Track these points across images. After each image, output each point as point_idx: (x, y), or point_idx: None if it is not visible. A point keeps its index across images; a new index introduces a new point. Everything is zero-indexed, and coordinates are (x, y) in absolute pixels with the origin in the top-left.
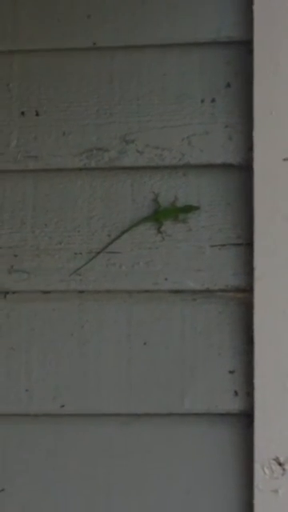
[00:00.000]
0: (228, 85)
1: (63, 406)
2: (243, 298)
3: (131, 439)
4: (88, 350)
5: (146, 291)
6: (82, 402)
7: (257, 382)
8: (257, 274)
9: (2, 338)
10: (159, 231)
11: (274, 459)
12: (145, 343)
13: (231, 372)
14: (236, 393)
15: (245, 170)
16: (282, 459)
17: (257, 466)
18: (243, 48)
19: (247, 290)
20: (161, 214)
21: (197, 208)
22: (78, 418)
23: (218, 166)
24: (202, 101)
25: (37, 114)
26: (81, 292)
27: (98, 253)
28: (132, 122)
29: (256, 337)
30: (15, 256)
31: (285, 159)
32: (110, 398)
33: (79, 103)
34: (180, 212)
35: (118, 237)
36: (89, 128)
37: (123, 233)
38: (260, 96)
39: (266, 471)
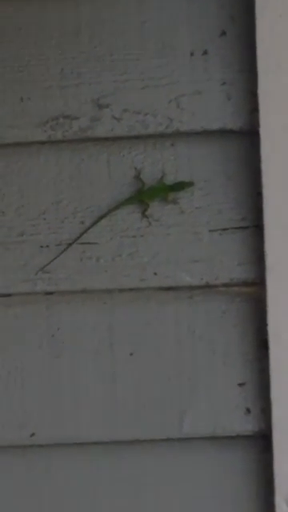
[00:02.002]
0: (223, 33)
1: (33, 434)
2: (252, 293)
3: (118, 472)
4: (61, 364)
5: (131, 289)
6: (56, 429)
7: (274, 395)
8: (269, 262)
9: None
10: (144, 215)
11: None
12: (131, 353)
13: (241, 385)
14: (248, 410)
15: (248, 136)
16: None
17: (278, 500)
18: None
19: (257, 283)
20: (146, 194)
21: (190, 184)
22: (52, 449)
23: (214, 133)
24: (192, 53)
25: None
26: (49, 293)
27: (70, 244)
28: (106, 82)
29: (271, 340)
30: None
31: None
32: (91, 422)
33: (39, 61)
34: (170, 190)
35: (94, 223)
36: (52, 91)
37: (100, 218)
38: (264, 44)
39: None
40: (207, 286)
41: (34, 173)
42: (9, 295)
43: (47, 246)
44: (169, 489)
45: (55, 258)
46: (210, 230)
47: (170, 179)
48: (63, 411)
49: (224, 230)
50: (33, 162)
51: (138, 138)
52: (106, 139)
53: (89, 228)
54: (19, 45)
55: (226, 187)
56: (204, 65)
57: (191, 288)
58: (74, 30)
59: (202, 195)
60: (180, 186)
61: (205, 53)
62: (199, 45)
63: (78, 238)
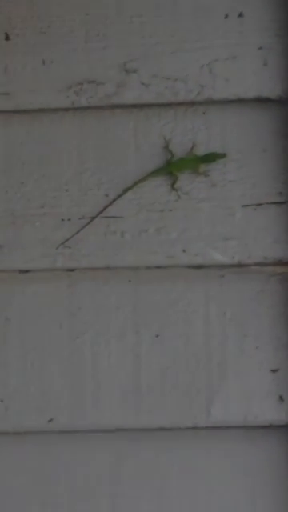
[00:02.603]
0: None
1: (51, 420)
2: None
3: (142, 461)
4: (82, 346)
5: (158, 267)
6: (76, 414)
7: None
8: None
9: None
10: (173, 188)
11: None
12: (157, 335)
13: (274, 371)
14: (281, 398)
15: (286, 105)
16: None
17: None
18: None
19: None
20: (175, 166)
21: (222, 156)
22: (72, 436)
23: (249, 101)
24: (226, 16)
25: (7, 38)
26: (71, 270)
27: (94, 218)
28: (133, 46)
29: None
30: None
31: None
32: (114, 408)
33: (62, 22)
34: (201, 162)
35: (120, 196)
36: (76, 55)
37: (126, 191)
38: None
39: None
40: (239, 265)
41: (56, 141)
42: (27, 271)
43: (69, 220)
44: (196, 481)
45: (77, 233)
46: (244, 205)
47: (201, 150)
48: (84, 396)
49: (258, 205)
50: (55, 130)
51: (167, 105)
52: (134, 106)
53: (113, 201)
54: (41, 4)
55: (262, 159)
56: (239, 28)
57: (222, 267)
58: None
59: (236, 168)
60: (211, 158)
61: (240, 15)
62: (234, 6)
63: (102, 211)
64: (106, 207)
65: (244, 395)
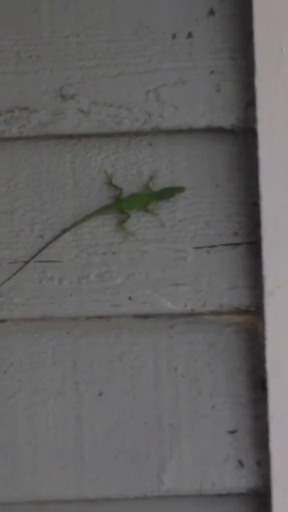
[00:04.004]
0: (211, 11)
1: None
2: (246, 322)
3: None
4: (16, 406)
5: (101, 317)
6: (9, 484)
7: (273, 444)
8: (268, 286)
9: None
10: (123, 227)
11: None
12: (100, 394)
13: (232, 432)
14: (241, 462)
15: (241, 135)
16: None
17: None
18: None
19: (251, 310)
20: (127, 202)
21: (181, 190)
22: (5, 509)
23: (200, 131)
24: (174, 36)
25: None
26: (2, 321)
27: (27, 262)
28: (71, 69)
29: (270, 380)
30: None
31: None
32: (52, 477)
33: None
34: (156, 198)
35: (57, 238)
36: (7, 78)
37: (64, 232)
38: (263, 24)
39: None
40: (192, 314)
41: None
42: None
43: None
44: None
45: (8, 279)
46: (196, 247)
47: (149, 184)
48: (18, 464)
49: (212, 246)
50: None
51: (109, 135)
52: (71, 137)
53: (49, 243)
54: None
55: (215, 196)
56: (189, 49)
57: (173, 316)
58: (33, 4)
59: (186, 205)
60: (169, 193)
61: (189, 35)
62: (183, 25)
63: (36, 254)
64: (41, 250)
65: (199, 460)
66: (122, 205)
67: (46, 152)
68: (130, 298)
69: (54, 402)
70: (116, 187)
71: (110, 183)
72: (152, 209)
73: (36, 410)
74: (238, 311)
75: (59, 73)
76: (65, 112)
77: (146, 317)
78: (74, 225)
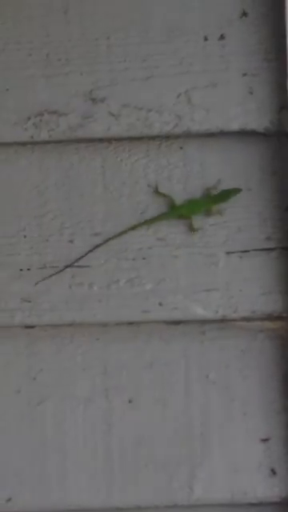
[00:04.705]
0: (244, 13)
1: (9, 499)
2: (280, 328)
3: None
4: (44, 413)
5: (131, 323)
6: (38, 493)
7: None
8: None
9: None
10: (194, 229)
11: None
12: (130, 401)
13: (264, 440)
14: (273, 471)
15: (275, 138)
16: None
17: None
18: None
19: (285, 317)
20: (187, 208)
21: (238, 191)
22: None
23: (233, 134)
24: (206, 38)
25: None
26: (30, 327)
27: (59, 269)
28: (101, 71)
29: None
30: None
31: None
32: (81, 485)
33: (19, 44)
34: (213, 203)
35: (98, 246)
36: (35, 81)
37: (108, 240)
38: None
39: None
40: (223, 320)
41: (12, 180)
42: None
43: (28, 270)
44: None
45: (38, 283)
46: (228, 252)
47: (179, 189)
48: (47, 471)
49: (244, 252)
50: (11, 167)
51: (139, 139)
52: (101, 140)
53: (90, 252)
54: None
55: (247, 200)
56: (221, 51)
57: (204, 322)
58: (63, 5)
59: (217, 210)
60: (226, 195)
61: (221, 37)
62: (215, 27)
63: (75, 261)
64: (79, 258)
65: (231, 468)
66: (181, 211)
67: (75, 156)
68: (160, 304)
69: (83, 409)
70: (164, 195)
71: (156, 191)
72: (216, 211)
73: (65, 417)
74: (270, 317)
75: (89, 76)
76: (94, 115)
77: (176, 323)
78: (124, 231)
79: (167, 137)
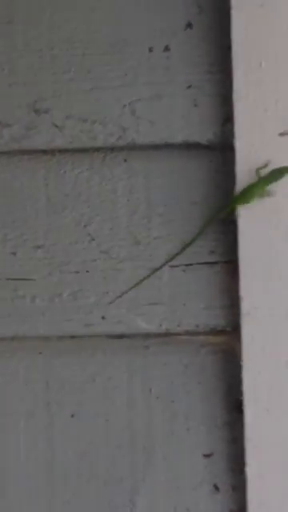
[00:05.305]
0: (189, 24)
1: None
2: (222, 343)
3: None
4: None
5: (74, 337)
6: None
7: (250, 469)
8: (245, 306)
9: None
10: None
11: None
12: (73, 415)
13: (207, 456)
14: (216, 487)
15: (218, 151)
16: None
17: None
18: None
19: (228, 331)
20: (243, 198)
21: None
22: None
23: (177, 147)
24: (151, 49)
25: None
26: None
27: None
28: (44, 82)
29: (246, 402)
30: None
31: (281, 134)
32: (22, 502)
33: None
34: (267, 184)
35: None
36: None
37: (186, 246)
38: (241, 38)
39: None
40: (167, 334)
41: None
42: None
43: None
44: None
45: None
46: (172, 266)
47: (122, 202)
48: None
49: (188, 265)
50: None
51: (83, 151)
52: (44, 152)
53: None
54: None
55: (191, 213)
56: (166, 63)
57: (147, 336)
58: (7, 16)
59: (162, 223)
60: (279, 174)
61: (166, 49)
62: (160, 39)
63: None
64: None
65: (174, 484)
66: (239, 202)
67: (18, 167)
68: (103, 318)
69: (24, 424)
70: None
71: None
72: (268, 193)
73: (6, 432)
74: (214, 331)
75: (33, 87)
76: (38, 127)
77: (119, 337)
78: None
79: (111, 149)
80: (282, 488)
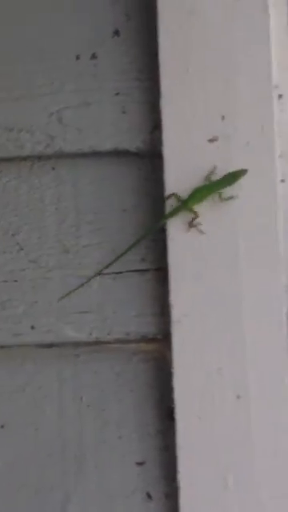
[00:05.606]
0: (116, 32)
1: None
2: (154, 350)
3: None
4: None
5: (2, 347)
6: None
7: (182, 477)
8: (175, 314)
9: None
10: (193, 225)
11: None
12: (2, 426)
13: (140, 464)
14: (149, 495)
15: (148, 158)
16: None
17: None
18: None
19: (159, 339)
20: (194, 198)
21: (244, 172)
22: None
23: (105, 154)
24: (78, 57)
25: None
26: None
27: None
28: None
29: (177, 410)
30: None
31: (210, 140)
32: None
33: None
34: (221, 187)
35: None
36: None
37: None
38: (168, 44)
39: None
40: (97, 343)
41: None
42: None
43: None
44: None
45: None
46: (101, 274)
47: (51, 210)
48: None
49: (118, 273)
50: None
51: (10, 160)
52: None
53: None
54: None
55: (121, 221)
56: (93, 70)
57: (77, 345)
58: None
59: (91, 231)
60: (232, 179)
61: (94, 56)
62: (87, 46)
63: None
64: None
65: (106, 492)
66: (191, 202)
67: None
68: (32, 327)
69: None
70: (176, 197)
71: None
72: (223, 197)
73: None
74: (145, 339)
75: None
76: None
77: (49, 346)
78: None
79: (39, 157)
80: (213, 496)
